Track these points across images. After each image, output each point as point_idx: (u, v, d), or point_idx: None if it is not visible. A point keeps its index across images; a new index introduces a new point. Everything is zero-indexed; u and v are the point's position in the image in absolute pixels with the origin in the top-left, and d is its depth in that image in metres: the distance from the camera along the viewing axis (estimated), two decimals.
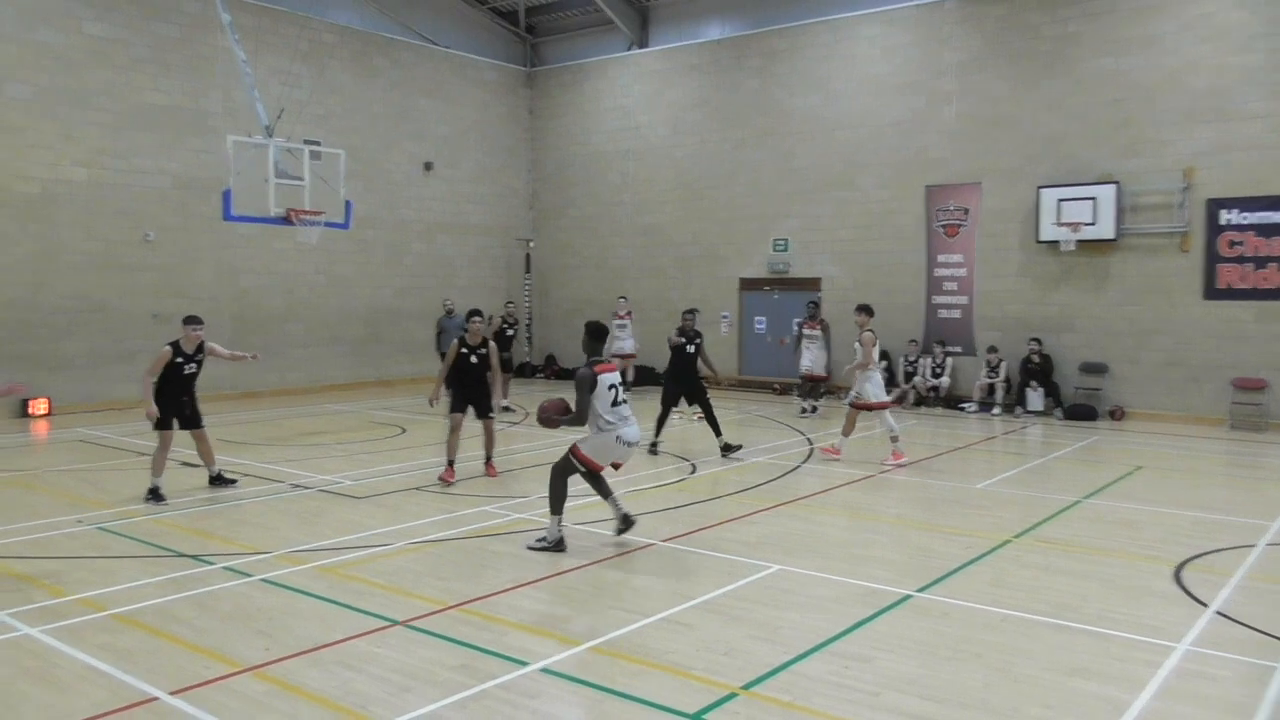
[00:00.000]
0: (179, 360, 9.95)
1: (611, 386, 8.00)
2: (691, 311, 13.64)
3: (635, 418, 8.22)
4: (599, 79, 23.94)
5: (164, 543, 8.24)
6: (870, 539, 8.64)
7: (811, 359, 17.49)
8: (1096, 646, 5.95)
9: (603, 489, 8.34)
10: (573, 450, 8.13)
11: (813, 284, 20.59)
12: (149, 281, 17.93)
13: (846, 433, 12.55)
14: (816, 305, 17.72)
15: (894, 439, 12.24)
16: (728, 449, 12.59)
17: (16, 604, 6.59)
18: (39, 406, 16.32)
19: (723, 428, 13.15)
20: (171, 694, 5.11)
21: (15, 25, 16.25)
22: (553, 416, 8.16)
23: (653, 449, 12.76)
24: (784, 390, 20.40)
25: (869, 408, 12.33)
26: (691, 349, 13.06)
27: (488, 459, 11.33)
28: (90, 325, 17.21)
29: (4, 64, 16.12)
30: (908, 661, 5.65)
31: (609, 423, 7.97)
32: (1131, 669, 5.59)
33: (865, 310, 12.63)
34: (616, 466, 8.28)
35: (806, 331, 17.74)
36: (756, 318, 21.39)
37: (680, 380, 13.09)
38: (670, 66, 22.71)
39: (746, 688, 5.25)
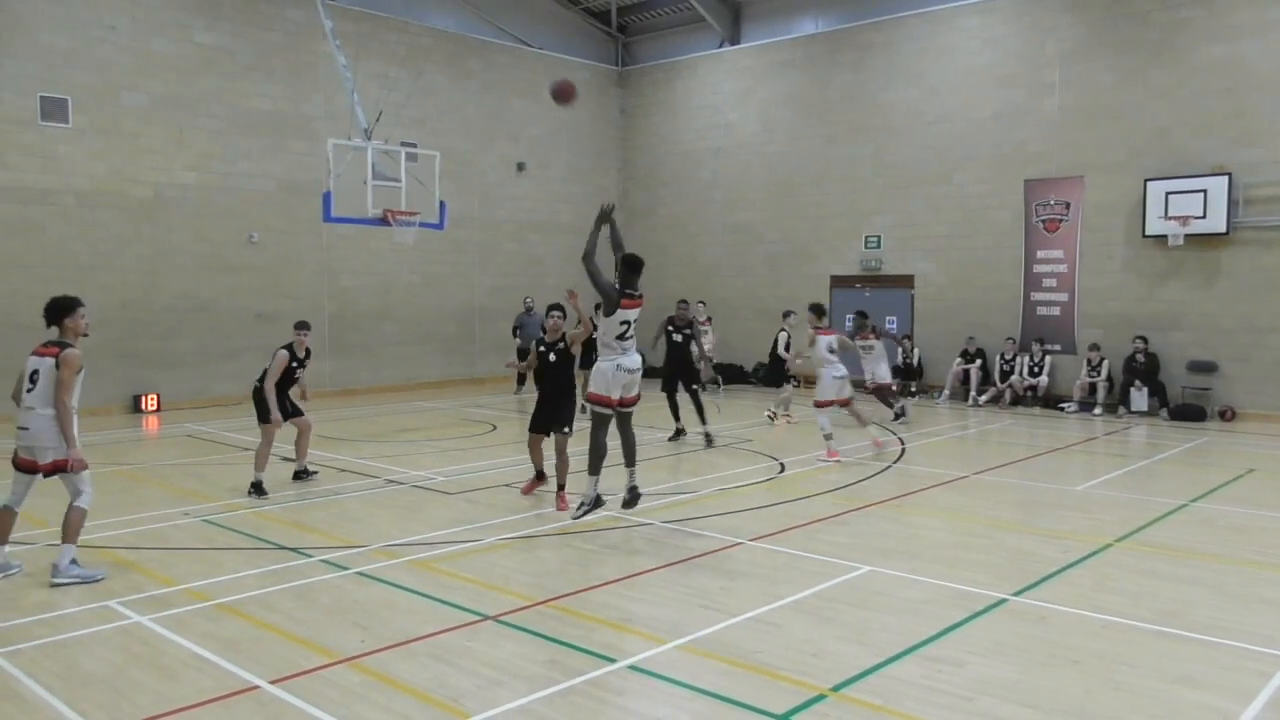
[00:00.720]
0: (293, 364, 10.31)
1: (624, 322, 8.38)
2: (684, 302, 14.70)
3: (639, 354, 8.61)
4: (690, 77, 23.92)
5: (265, 535, 8.52)
6: (965, 541, 8.44)
7: (870, 370, 16.65)
8: (1204, 655, 5.71)
9: (628, 451, 8.67)
10: (587, 397, 8.58)
11: (906, 281, 20.23)
12: (253, 282, 18.56)
13: (864, 423, 12.84)
14: (864, 316, 16.75)
15: (826, 437, 12.34)
16: (709, 439, 13.31)
17: (127, 592, 6.89)
18: (150, 402, 17.07)
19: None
20: (272, 683, 5.28)
21: (131, 36, 16.98)
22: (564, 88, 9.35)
23: (678, 435, 13.71)
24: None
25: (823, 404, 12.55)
26: (679, 338, 13.87)
27: (559, 487, 9.67)
28: (197, 324, 17.89)
29: (121, 73, 16.86)
30: (1003, 666, 5.51)
31: (611, 351, 8.43)
32: (1241, 679, 5.35)
33: (815, 310, 12.80)
34: (624, 403, 8.51)
35: (860, 343, 16.98)
36: (847, 316, 21.06)
37: (670, 365, 13.94)
38: (762, 63, 22.57)
39: (836, 689, 5.19)
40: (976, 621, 6.30)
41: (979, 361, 18.87)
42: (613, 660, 5.60)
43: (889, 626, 6.19)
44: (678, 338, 13.84)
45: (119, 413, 16.78)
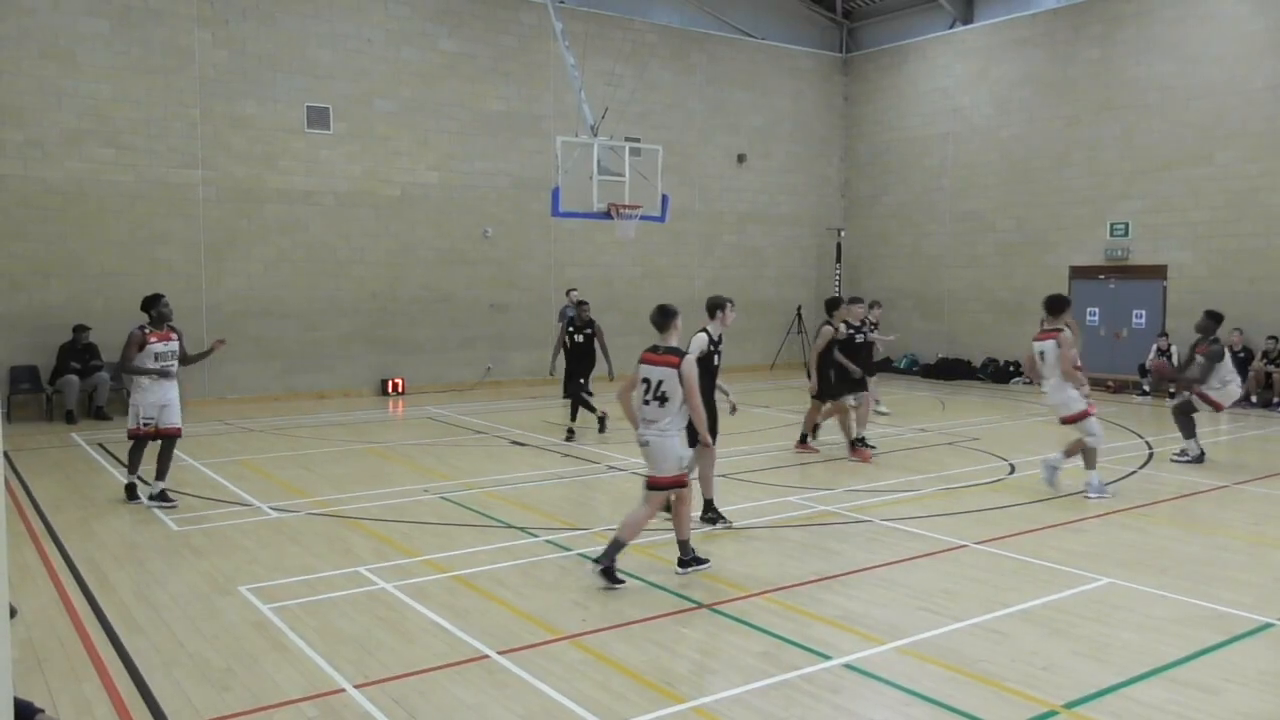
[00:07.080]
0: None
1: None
2: (583, 303, 14.34)
3: None
4: (918, 61, 23.11)
5: (496, 514, 8.98)
6: (1221, 557, 7.72)
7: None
8: None
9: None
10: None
11: (1157, 271, 18.77)
12: (487, 274, 19.58)
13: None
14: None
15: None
16: (570, 434, 13.39)
17: (376, 560, 7.45)
18: (397, 385, 18.30)
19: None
20: (500, 653, 5.56)
21: (385, 47, 18.28)
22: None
23: (569, 435, 13.44)
24: (1118, 388, 18.79)
25: None
26: (581, 339, 13.90)
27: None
28: (437, 314, 19.06)
29: (376, 81, 18.18)
30: (1268, 698, 5.02)
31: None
32: None
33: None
34: None
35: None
36: (1089, 309, 19.82)
37: (571, 366, 13.86)
38: (997, 41, 21.49)
39: (1069, 706, 4.90)
40: (1235, 646, 5.78)
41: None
42: (828, 657, 5.54)
43: (1131, 645, 5.78)
44: (579, 338, 13.91)
45: (369, 394, 18.08)
